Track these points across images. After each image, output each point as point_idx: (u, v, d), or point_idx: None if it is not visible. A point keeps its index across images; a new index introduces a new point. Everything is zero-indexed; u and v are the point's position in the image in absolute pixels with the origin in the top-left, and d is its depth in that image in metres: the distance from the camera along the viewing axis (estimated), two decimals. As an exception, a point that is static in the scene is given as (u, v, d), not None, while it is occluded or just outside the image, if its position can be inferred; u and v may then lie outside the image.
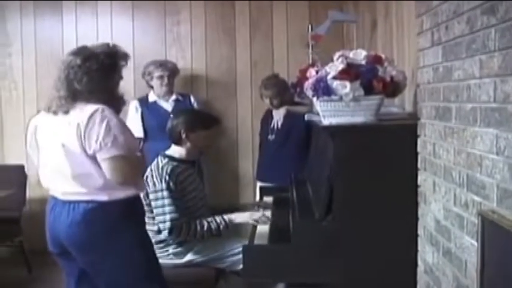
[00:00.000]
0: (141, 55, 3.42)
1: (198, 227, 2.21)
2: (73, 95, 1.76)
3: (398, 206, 1.61)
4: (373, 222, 1.62)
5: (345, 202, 1.63)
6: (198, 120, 2.32)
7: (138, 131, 3.33)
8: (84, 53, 1.79)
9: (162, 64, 3.34)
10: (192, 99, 3.43)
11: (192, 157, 2.34)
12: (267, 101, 3.13)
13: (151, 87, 3.36)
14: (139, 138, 3.35)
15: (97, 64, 1.77)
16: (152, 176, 2.22)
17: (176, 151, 2.31)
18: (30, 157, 1.92)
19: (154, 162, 2.27)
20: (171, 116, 2.47)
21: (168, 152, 2.32)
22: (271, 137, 3.14)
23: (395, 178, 1.62)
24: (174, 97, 3.36)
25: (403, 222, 1.60)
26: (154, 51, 3.55)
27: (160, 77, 3.31)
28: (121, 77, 1.87)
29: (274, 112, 3.20)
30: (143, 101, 3.37)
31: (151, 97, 3.37)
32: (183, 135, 2.27)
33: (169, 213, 2.17)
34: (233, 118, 3.58)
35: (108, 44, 1.85)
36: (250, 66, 3.59)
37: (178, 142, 2.29)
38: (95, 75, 1.77)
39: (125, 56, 1.86)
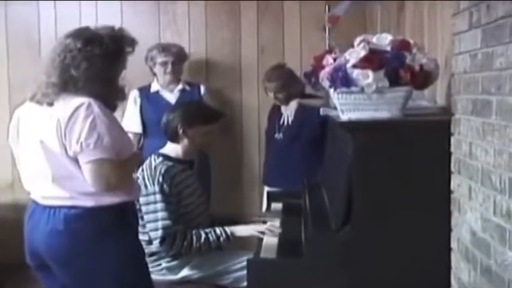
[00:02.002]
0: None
1: (195, 238, 2.21)
2: (64, 84, 1.74)
3: (428, 215, 1.60)
4: (398, 234, 1.61)
5: (366, 210, 1.62)
6: (197, 113, 2.33)
7: (136, 125, 3.34)
8: (85, 35, 1.77)
9: (166, 48, 3.29)
10: (202, 90, 3.39)
11: (189, 156, 2.35)
12: (271, 95, 3.13)
13: (155, 74, 3.35)
14: (139, 134, 3.37)
15: (100, 49, 1.75)
16: (144, 177, 2.22)
17: (172, 149, 2.32)
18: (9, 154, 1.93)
19: (147, 161, 2.28)
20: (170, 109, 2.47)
21: (162, 151, 2.33)
22: (278, 136, 3.14)
23: (425, 183, 1.61)
24: (180, 87, 3.33)
25: (434, 234, 1.60)
26: (146, 36, 3.55)
27: (164, 64, 3.27)
28: (125, 67, 1.86)
29: (283, 107, 3.19)
30: (144, 91, 3.35)
31: (154, 87, 3.35)
32: (180, 131, 2.28)
33: (162, 219, 2.18)
34: (237, 112, 3.59)
35: (113, 27, 1.83)
36: (257, 53, 3.59)
37: (175, 139, 2.30)
38: (97, 62, 1.75)
39: (132, 42, 1.84)
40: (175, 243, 2.19)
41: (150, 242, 2.21)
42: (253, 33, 3.59)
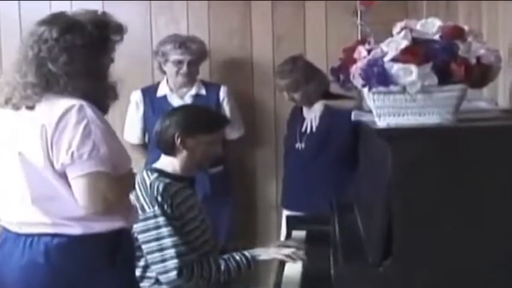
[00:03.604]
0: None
1: (213, 267, 2.22)
2: (46, 82, 1.77)
3: (492, 245, 1.58)
4: (453, 270, 1.59)
5: (411, 239, 1.61)
6: (199, 119, 2.35)
7: (135, 135, 3.41)
8: (62, 22, 1.79)
9: (183, 44, 3.30)
10: (222, 94, 3.40)
11: (188, 172, 2.37)
12: (285, 95, 3.15)
13: (164, 72, 3.37)
14: (139, 146, 3.42)
15: (82, 37, 1.78)
16: (138, 198, 2.24)
17: (167, 163, 2.34)
18: None
19: (138, 179, 2.28)
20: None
21: (156, 165, 2.35)
22: (300, 145, 3.15)
23: (487, 204, 1.59)
24: (192, 91, 3.36)
25: (501, 269, 1.57)
26: (133, 23, 3.57)
27: (178, 63, 3.30)
28: (112, 59, 1.89)
29: (306, 109, 3.20)
30: (148, 94, 3.38)
31: (162, 89, 3.38)
32: (178, 141, 2.30)
33: (173, 247, 2.18)
34: (248, 116, 3.61)
35: (95, 11, 1.86)
36: (273, 44, 3.62)
37: (171, 151, 2.33)
38: (79, 54, 1.77)
39: (119, 29, 1.87)
40: (193, 274, 2.20)
41: (156, 280, 2.21)
42: (267, 19, 3.62)
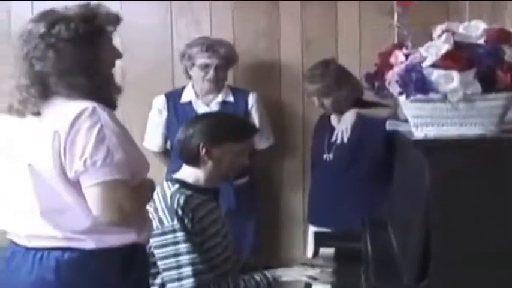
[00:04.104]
0: (131, 31, 3.51)
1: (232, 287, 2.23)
2: (38, 83, 1.79)
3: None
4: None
5: (451, 261, 1.60)
6: (226, 127, 2.36)
7: (156, 143, 3.45)
8: (49, 17, 1.81)
9: (211, 47, 3.30)
10: (251, 101, 3.42)
11: (213, 183, 2.38)
12: (315, 101, 3.15)
13: (190, 77, 3.40)
14: (161, 153, 3.46)
15: (68, 31, 1.78)
16: (157, 210, 2.25)
17: (190, 174, 2.35)
18: None
19: (158, 190, 2.30)
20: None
21: (177, 176, 2.36)
22: (328, 156, 3.15)
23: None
24: (220, 98, 3.37)
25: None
26: (153, 24, 3.64)
27: (205, 67, 3.30)
28: (116, 53, 1.90)
29: (334, 118, 3.20)
30: (172, 99, 3.42)
31: (187, 94, 3.41)
32: (203, 152, 2.30)
33: (191, 264, 2.19)
34: (274, 124, 3.61)
35: (87, 4, 1.87)
36: (302, 47, 3.63)
37: (194, 161, 2.33)
38: (66, 49, 1.78)
39: (111, 18, 1.87)
40: None
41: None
42: (296, 20, 3.63)
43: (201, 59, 3.29)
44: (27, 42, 1.80)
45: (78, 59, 1.79)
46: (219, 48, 3.32)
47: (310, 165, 3.40)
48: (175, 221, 2.20)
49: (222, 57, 3.31)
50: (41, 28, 1.79)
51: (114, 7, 1.95)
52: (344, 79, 3.11)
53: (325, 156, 3.16)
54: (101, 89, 1.83)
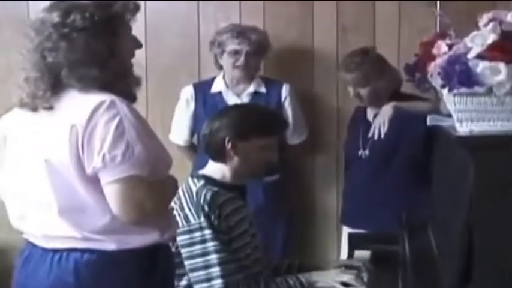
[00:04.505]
0: (154, 20, 3.54)
1: None
2: (48, 76, 1.80)
3: None
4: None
5: (496, 261, 1.60)
6: (253, 120, 2.37)
7: (182, 136, 3.48)
8: (63, 5, 1.82)
9: (242, 33, 3.34)
10: (284, 92, 3.42)
11: (240, 180, 2.39)
12: (351, 91, 3.14)
13: (221, 67, 3.43)
14: (187, 147, 3.49)
15: (83, 20, 1.79)
16: (182, 207, 2.27)
17: (216, 170, 2.37)
18: None
19: (183, 186, 2.33)
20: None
21: (203, 172, 2.38)
22: (363, 153, 3.15)
23: None
24: (251, 89, 3.39)
25: None
26: (177, 13, 3.65)
27: (235, 53, 3.33)
28: (135, 42, 1.90)
29: (370, 111, 3.19)
30: (201, 90, 3.44)
31: (217, 85, 3.43)
32: (229, 146, 2.32)
33: (220, 264, 2.20)
34: (307, 117, 3.60)
35: None
36: (337, 35, 3.61)
37: (221, 157, 2.35)
38: (80, 38, 1.78)
39: (130, 6, 1.87)
40: None
41: None
42: (331, 6, 3.61)
43: (231, 45, 3.32)
44: (39, 32, 1.81)
45: (93, 49, 1.80)
46: (250, 34, 3.34)
47: (344, 162, 3.40)
48: (202, 218, 2.22)
49: (253, 44, 3.32)
50: (55, 18, 1.80)
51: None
52: (383, 69, 3.10)
53: (360, 152, 3.15)
54: (119, 81, 1.84)
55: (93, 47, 1.80)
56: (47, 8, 1.84)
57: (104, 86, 1.79)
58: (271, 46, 3.44)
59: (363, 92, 3.10)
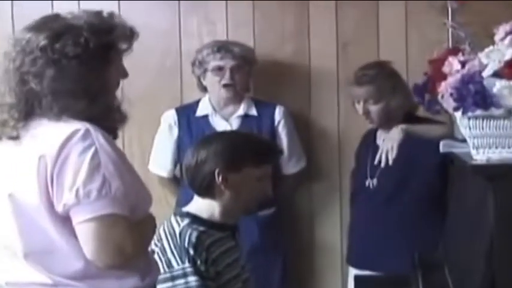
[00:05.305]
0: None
1: None
2: (24, 104, 1.80)
3: None
4: None
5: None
6: (246, 148, 2.36)
7: (165, 166, 3.47)
8: (53, 27, 1.82)
9: (224, 47, 3.36)
10: (278, 115, 3.43)
11: (231, 218, 2.38)
12: (360, 108, 3.14)
13: (205, 89, 3.43)
14: (170, 180, 3.49)
15: (75, 46, 1.79)
16: (164, 250, 2.26)
17: (203, 207, 2.36)
18: None
19: (164, 226, 2.32)
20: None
21: (188, 209, 2.37)
22: (371, 182, 3.16)
23: None
24: (240, 112, 3.39)
25: None
26: (155, 28, 3.66)
27: (219, 69, 3.34)
28: (123, 72, 1.91)
29: (381, 134, 3.18)
30: (185, 114, 3.44)
31: (203, 108, 3.44)
32: (218, 179, 2.31)
33: None
34: (304, 143, 3.61)
35: (99, 13, 1.87)
36: (337, 51, 3.62)
37: (209, 192, 2.34)
38: (70, 67, 1.79)
39: (127, 34, 1.88)
40: None
41: None
42: (330, 18, 3.62)
43: (213, 62, 3.34)
44: (23, 54, 1.81)
45: (84, 80, 1.80)
46: (233, 47, 3.36)
47: (350, 193, 3.39)
48: (186, 263, 2.21)
49: (238, 58, 3.34)
50: (42, 39, 1.80)
51: (111, 7, 1.96)
52: (398, 86, 3.09)
53: (367, 182, 3.16)
54: (104, 116, 1.84)
55: (85, 77, 1.80)
56: (34, 26, 1.84)
57: (87, 120, 1.79)
58: (256, 59, 3.45)
59: (374, 109, 3.10)
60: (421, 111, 2.86)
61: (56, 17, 1.87)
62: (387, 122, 3.10)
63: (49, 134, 1.77)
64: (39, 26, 1.84)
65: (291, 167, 3.46)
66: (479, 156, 1.68)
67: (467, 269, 1.88)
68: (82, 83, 1.80)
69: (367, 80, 3.10)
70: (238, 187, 2.32)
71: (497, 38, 1.70)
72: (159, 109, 3.52)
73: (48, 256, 1.78)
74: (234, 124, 3.38)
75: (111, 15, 1.88)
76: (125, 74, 1.94)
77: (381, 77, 3.10)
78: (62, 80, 1.79)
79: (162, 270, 2.20)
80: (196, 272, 2.21)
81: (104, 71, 1.85)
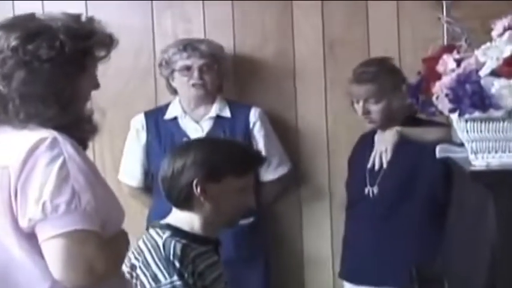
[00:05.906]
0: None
1: None
2: None
3: None
4: None
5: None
6: (225, 157, 2.36)
7: (134, 175, 3.48)
8: (27, 27, 1.82)
9: (190, 45, 3.39)
10: (253, 117, 3.44)
11: (213, 231, 2.39)
12: (359, 108, 3.15)
13: (175, 92, 3.46)
14: (140, 189, 3.50)
15: (50, 49, 1.79)
16: (148, 264, 2.26)
17: (183, 220, 2.36)
18: None
19: (144, 239, 2.32)
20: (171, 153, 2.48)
21: (168, 221, 2.37)
22: (371, 190, 3.16)
23: None
24: (212, 113, 3.41)
25: None
26: (127, 26, 3.67)
27: (186, 69, 3.37)
28: (95, 83, 1.92)
29: (379, 137, 3.14)
30: (153, 118, 3.46)
31: (172, 110, 3.46)
32: (197, 191, 2.31)
33: None
34: (289, 149, 3.61)
35: (77, 16, 1.88)
36: (324, 51, 3.62)
37: (187, 204, 2.34)
38: (42, 70, 1.79)
39: (106, 40, 1.89)
40: None
41: None
42: (316, 15, 3.64)
43: (180, 61, 3.37)
44: None
45: (56, 85, 1.81)
46: (199, 45, 3.39)
47: (347, 203, 3.35)
48: (175, 276, 2.21)
49: (206, 56, 3.37)
50: (14, 39, 1.80)
51: (78, 7, 1.96)
52: (401, 84, 3.05)
53: (367, 190, 3.15)
54: (74, 126, 1.85)
55: (57, 82, 1.80)
56: (6, 24, 1.84)
57: (56, 129, 1.79)
58: (226, 56, 3.47)
59: (375, 108, 3.10)
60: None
61: (31, 16, 1.87)
62: (388, 122, 3.09)
63: (13, 142, 1.77)
64: (12, 24, 1.84)
65: (269, 173, 3.45)
66: (478, 162, 1.69)
67: (468, 281, 1.89)
68: (53, 89, 1.81)
69: (367, 78, 3.10)
70: (218, 199, 2.33)
71: (494, 33, 1.71)
72: (133, 114, 3.53)
73: (12, 276, 1.78)
74: (205, 126, 3.40)
75: (91, 20, 1.89)
76: (96, 85, 1.94)
77: (382, 74, 3.11)
78: (32, 84, 1.79)
79: (148, 286, 2.21)
80: (185, 285, 2.21)
81: (77, 78, 1.86)
